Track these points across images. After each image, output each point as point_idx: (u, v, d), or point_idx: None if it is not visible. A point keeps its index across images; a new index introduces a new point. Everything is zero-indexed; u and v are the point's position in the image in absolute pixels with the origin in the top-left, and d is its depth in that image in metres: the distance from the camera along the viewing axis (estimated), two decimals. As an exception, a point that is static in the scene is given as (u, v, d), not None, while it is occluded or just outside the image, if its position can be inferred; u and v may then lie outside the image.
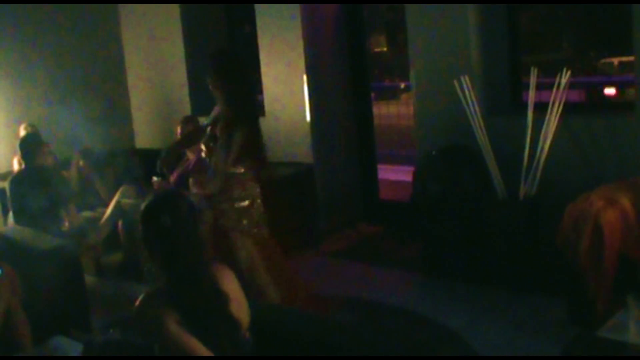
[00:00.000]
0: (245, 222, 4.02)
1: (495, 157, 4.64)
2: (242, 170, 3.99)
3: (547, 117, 4.46)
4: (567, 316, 3.89)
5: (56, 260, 4.06)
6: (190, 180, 5.12)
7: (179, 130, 5.54)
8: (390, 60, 12.18)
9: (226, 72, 3.99)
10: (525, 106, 4.66)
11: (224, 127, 3.98)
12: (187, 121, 5.60)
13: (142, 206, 2.31)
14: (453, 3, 5.01)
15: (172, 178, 5.38)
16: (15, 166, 5.99)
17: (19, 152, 5.41)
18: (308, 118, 6.07)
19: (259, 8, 6.29)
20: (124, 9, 7.60)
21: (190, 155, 5.43)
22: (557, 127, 4.47)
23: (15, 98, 6.81)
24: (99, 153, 6.54)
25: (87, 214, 5.78)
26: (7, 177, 5.53)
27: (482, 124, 4.69)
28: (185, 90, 7.14)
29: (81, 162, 6.15)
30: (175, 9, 7.00)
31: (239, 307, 2.31)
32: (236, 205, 4.00)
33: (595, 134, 4.55)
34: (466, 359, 3.46)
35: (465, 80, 4.71)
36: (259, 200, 4.07)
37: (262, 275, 4.02)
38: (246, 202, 4.01)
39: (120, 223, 5.37)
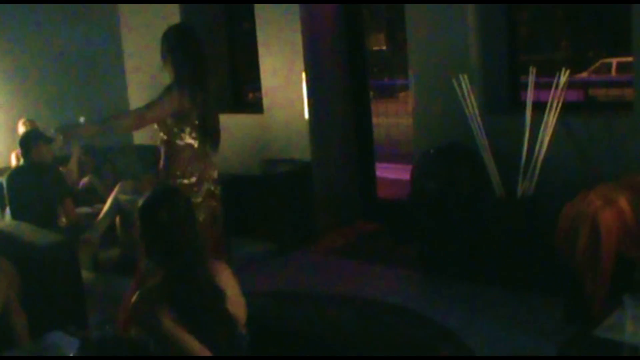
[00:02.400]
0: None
1: (493, 156, 4.64)
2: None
3: (545, 116, 4.46)
4: (563, 315, 3.89)
5: (53, 255, 4.05)
6: None
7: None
8: (389, 58, 12.14)
9: (176, 45, 3.66)
10: (523, 105, 4.66)
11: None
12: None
13: (140, 202, 2.31)
14: (452, 3, 5.01)
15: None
16: (13, 161, 5.99)
17: (17, 148, 5.40)
18: (306, 115, 6.05)
19: (258, 7, 6.28)
20: (124, 8, 7.59)
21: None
22: (555, 126, 4.47)
23: (13, 94, 6.80)
24: (97, 149, 6.55)
25: (84, 209, 5.78)
26: (4, 173, 5.53)
27: (480, 122, 4.69)
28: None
29: (82, 157, 6.16)
30: (175, 8, 6.99)
31: (236, 303, 2.31)
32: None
33: (593, 133, 4.55)
34: (462, 359, 3.46)
35: (464, 79, 4.70)
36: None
37: None
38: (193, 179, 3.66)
39: (117, 219, 5.37)
